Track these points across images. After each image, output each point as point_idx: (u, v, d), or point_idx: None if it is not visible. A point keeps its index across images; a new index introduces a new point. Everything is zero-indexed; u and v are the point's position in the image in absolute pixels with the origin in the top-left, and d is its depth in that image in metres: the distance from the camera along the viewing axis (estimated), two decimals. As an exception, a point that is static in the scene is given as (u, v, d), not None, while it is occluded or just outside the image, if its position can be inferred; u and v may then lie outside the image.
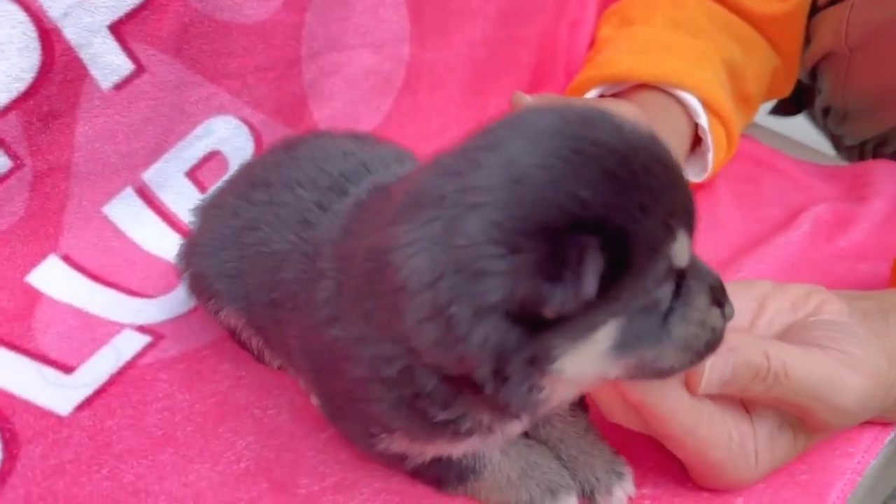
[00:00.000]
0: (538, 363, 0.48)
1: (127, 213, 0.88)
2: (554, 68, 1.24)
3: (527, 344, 0.48)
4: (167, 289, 0.84)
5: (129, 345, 0.78)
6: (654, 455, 0.69)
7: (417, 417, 0.57)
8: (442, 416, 0.56)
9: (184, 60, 0.88)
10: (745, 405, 0.65)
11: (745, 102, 1.22)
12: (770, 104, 1.45)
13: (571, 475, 0.66)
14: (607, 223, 0.46)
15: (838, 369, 0.62)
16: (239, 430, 0.70)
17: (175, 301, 0.83)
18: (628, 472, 0.67)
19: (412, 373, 0.54)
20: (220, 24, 0.89)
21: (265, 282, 0.67)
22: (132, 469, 0.66)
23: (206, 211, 0.75)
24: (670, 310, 0.51)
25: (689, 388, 0.59)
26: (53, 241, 0.84)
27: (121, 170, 0.87)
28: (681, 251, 0.49)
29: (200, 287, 0.73)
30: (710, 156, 1.09)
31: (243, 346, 0.76)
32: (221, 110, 0.92)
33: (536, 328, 0.47)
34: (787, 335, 0.66)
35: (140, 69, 0.85)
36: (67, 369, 0.75)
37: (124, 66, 0.84)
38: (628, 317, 0.49)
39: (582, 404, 0.68)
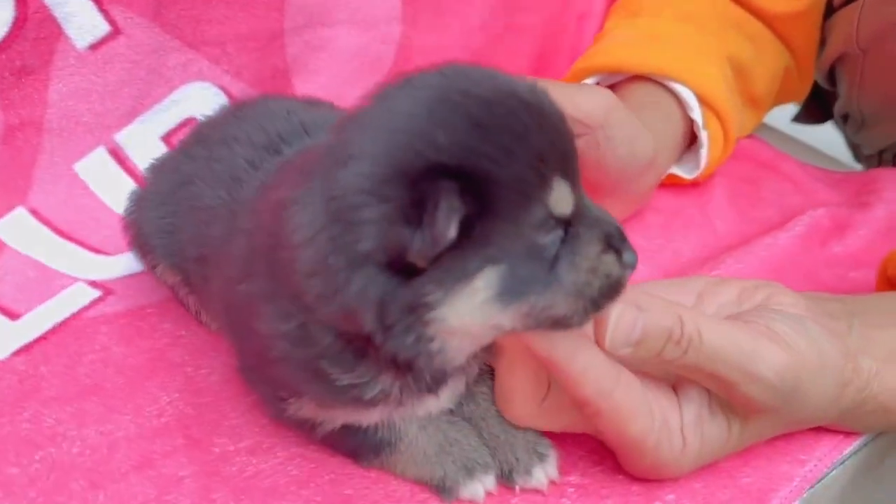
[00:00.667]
0: (417, 311, 0.49)
1: (98, 171, 0.90)
2: (557, 59, 1.23)
3: (402, 292, 0.48)
4: (125, 247, 0.85)
5: (77, 297, 0.80)
6: (586, 444, 0.68)
7: (322, 381, 0.56)
8: (346, 379, 0.56)
9: (162, 24, 0.90)
10: (674, 387, 0.63)
11: (753, 102, 1.19)
12: (794, 111, 1.40)
13: (492, 454, 0.65)
14: (467, 168, 0.46)
15: (757, 339, 0.60)
16: (167, 386, 0.71)
17: (132, 260, 0.84)
18: (552, 454, 0.65)
19: (309, 330, 0.54)
20: (199, -12, 0.90)
21: (196, 237, 0.67)
22: (54, 414, 0.67)
23: (155, 167, 0.76)
24: (557, 257, 0.50)
25: (597, 340, 0.57)
26: (22, 194, 0.87)
27: (94, 129, 0.89)
28: (560, 198, 0.49)
29: (139, 241, 0.74)
30: (704, 151, 1.07)
31: (184, 305, 0.77)
32: (200, 76, 0.94)
33: (409, 276, 0.48)
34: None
35: (116, 31, 0.87)
36: (14, 316, 0.77)
37: (100, 26, 0.86)
38: (509, 263, 0.48)
39: None
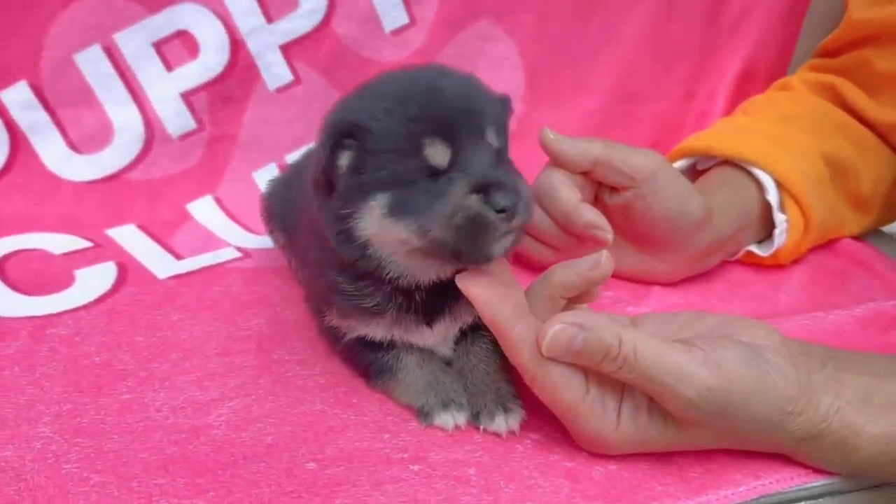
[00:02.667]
0: (344, 222, 0.71)
1: (267, 180, 1.21)
2: (671, 149, 1.37)
3: (332, 206, 0.72)
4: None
5: (226, 255, 1.09)
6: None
7: (340, 293, 0.78)
8: (352, 290, 0.77)
9: (331, 81, 1.21)
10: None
11: (859, 203, 1.24)
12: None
13: (468, 398, 0.80)
14: (360, 122, 0.69)
15: (688, 363, 0.68)
16: (260, 314, 0.96)
17: (268, 241, 1.13)
18: (517, 410, 0.78)
19: (330, 258, 0.78)
20: (362, 58, 1.21)
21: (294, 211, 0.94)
22: (178, 314, 0.94)
23: (289, 165, 1.06)
24: (435, 193, 0.68)
25: (539, 348, 0.69)
26: (213, 186, 1.20)
27: (271, 149, 1.22)
28: (434, 153, 0.67)
29: (267, 209, 1.04)
30: (777, 231, 1.14)
31: (288, 262, 1.03)
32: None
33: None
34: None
35: (298, 80, 1.20)
36: (178, 257, 1.08)
37: (287, 76, 1.19)
38: (395, 192, 0.68)
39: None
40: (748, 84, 1.40)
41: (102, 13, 1.09)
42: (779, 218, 1.15)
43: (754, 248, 1.17)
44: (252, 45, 1.16)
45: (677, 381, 0.67)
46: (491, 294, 0.72)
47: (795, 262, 1.20)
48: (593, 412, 0.71)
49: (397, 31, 1.21)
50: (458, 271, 0.74)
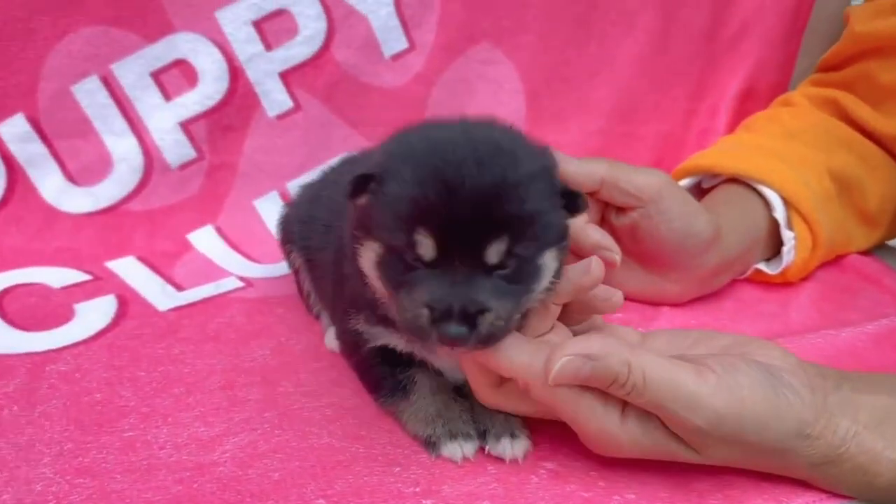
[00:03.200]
0: (356, 243, 0.72)
1: (270, 208, 1.20)
2: (674, 167, 1.36)
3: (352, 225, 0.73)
4: (274, 261, 1.13)
5: (227, 285, 1.08)
6: (570, 442, 0.77)
7: (368, 301, 0.76)
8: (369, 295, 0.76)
9: (331, 107, 1.20)
10: None
11: (866, 219, 1.24)
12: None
13: (476, 419, 0.79)
14: (377, 176, 0.68)
15: (697, 388, 0.66)
16: (264, 345, 0.94)
17: (274, 269, 1.11)
18: (523, 439, 0.77)
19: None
20: (362, 84, 1.20)
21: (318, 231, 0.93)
22: (181, 347, 0.93)
23: (304, 186, 1.05)
24: (409, 278, 0.67)
25: (545, 372, 0.68)
26: (213, 216, 1.18)
27: (272, 177, 1.20)
28: (422, 243, 0.66)
29: (285, 229, 1.02)
30: (786, 249, 1.13)
31: (299, 289, 1.02)
32: (356, 148, 1.21)
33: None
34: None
35: (297, 107, 1.19)
36: (181, 289, 1.06)
37: (286, 102, 1.18)
38: (388, 251, 0.69)
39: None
40: (749, 101, 1.40)
41: (99, 44, 1.08)
42: (786, 235, 1.14)
43: (763, 267, 1.16)
44: (251, 72, 1.15)
45: (686, 409, 0.66)
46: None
47: (804, 279, 1.19)
48: (595, 406, 0.69)
49: (397, 56, 1.20)
50: None
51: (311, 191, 1.02)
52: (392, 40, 1.19)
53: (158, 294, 1.03)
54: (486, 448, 0.77)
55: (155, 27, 1.10)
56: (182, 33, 1.11)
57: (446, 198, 0.65)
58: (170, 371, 0.88)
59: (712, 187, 1.20)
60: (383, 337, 0.79)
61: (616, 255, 0.91)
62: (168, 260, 1.12)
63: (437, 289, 0.66)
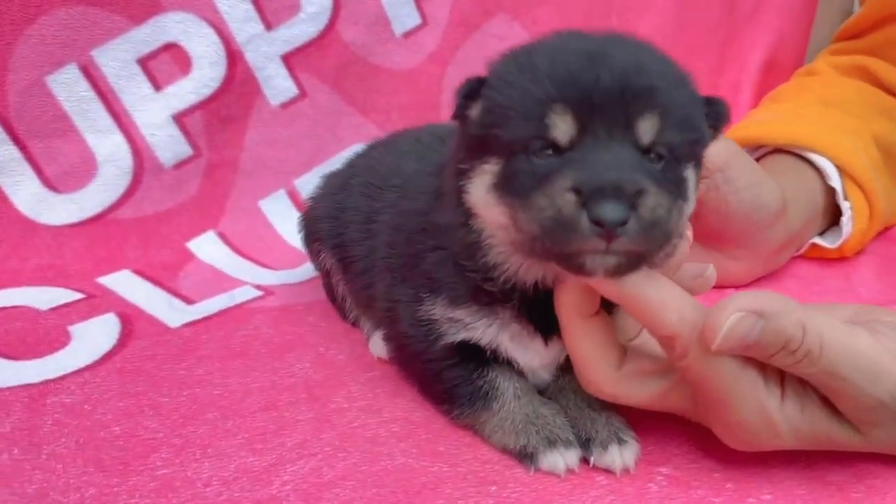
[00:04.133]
0: (461, 178, 0.61)
1: (277, 209, 1.07)
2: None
3: (456, 158, 0.63)
4: (291, 266, 0.99)
5: (243, 294, 0.94)
6: (678, 440, 0.68)
7: (458, 273, 0.65)
8: (472, 271, 0.64)
9: (340, 92, 1.08)
10: None
11: (909, 188, 1.17)
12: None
13: (572, 424, 0.67)
14: (493, 74, 0.60)
15: (881, 356, 0.57)
16: (301, 358, 0.81)
17: (292, 275, 0.98)
18: (632, 443, 0.66)
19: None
20: (372, 66, 1.08)
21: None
22: (205, 366, 0.79)
23: (328, 175, 0.92)
24: (541, 178, 0.55)
25: (705, 340, 0.56)
26: (215, 220, 1.04)
27: (278, 173, 1.07)
28: (555, 122, 0.55)
29: (310, 227, 0.89)
30: (845, 219, 1.06)
31: (331, 294, 0.89)
32: (368, 137, 1.09)
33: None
34: None
35: (303, 94, 1.06)
36: (190, 302, 0.92)
37: (290, 89, 1.06)
38: (507, 164, 0.58)
39: None
40: (771, 74, 1.34)
41: (77, 27, 0.94)
42: (844, 205, 1.06)
43: (820, 241, 1.08)
44: (250, 56, 1.02)
45: (868, 380, 0.56)
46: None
47: (858, 253, 1.11)
48: (756, 384, 0.58)
49: (409, 34, 1.09)
50: None
51: (336, 181, 0.89)
52: (403, 16, 1.08)
53: (165, 309, 0.89)
54: (591, 460, 0.65)
55: (140, 6, 0.96)
56: (171, 13, 0.98)
57: (587, 66, 0.55)
58: (197, 394, 0.74)
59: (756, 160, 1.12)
60: (465, 325, 0.67)
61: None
62: (168, 272, 0.97)
63: (584, 170, 0.54)
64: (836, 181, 1.05)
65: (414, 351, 0.71)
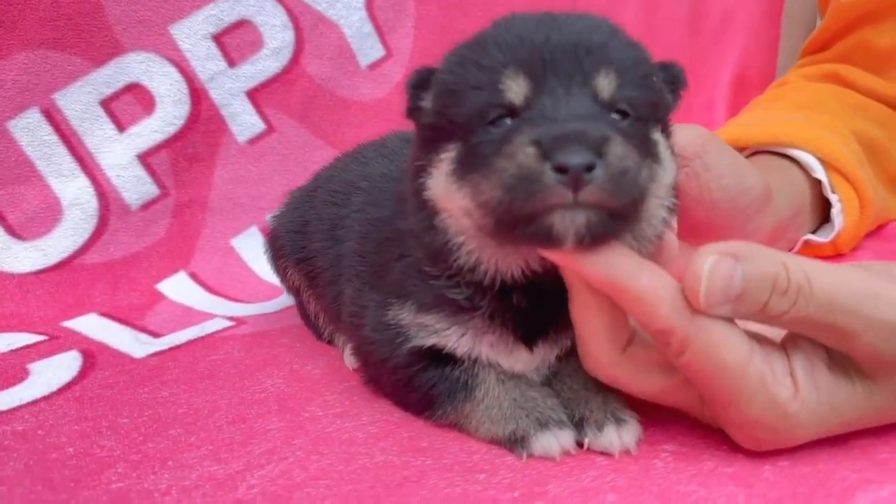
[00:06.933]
0: (419, 176, 0.58)
1: (251, 245, 1.03)
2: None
3: (413, 157, 0.61)
4: (264, 299, 0.95)
5: (214, 325, 0.89)
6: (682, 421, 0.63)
7: (424, 281, 0.62)
8: (438, 274, 0.61)
9: (308, 126, 1.07)
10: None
11: (894, 183, 1.15)
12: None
13: (565, 405, 0.62)
14: (445, 59, 0.59)
15: (873, 280, 0.53)
16: (273, 375, 0.76)
17: (267, 306, 0.94)
18: (632, 422, 0.60)
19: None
20: (339, 98, 1.07)
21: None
22: (169, 389, 0.74)
23: (292, 193, 0.89)
24: (496, 145, 0.52)
25: (690, 300, 0.52)
26: (185, 260, 1.01)
27: (249, 210, 1.04)
28: (509, 85, 0.53)
29: (275, 244, 0.86)
30: (835, 211, 1.03)
31: (304, 311, 0.84)
32: (340, 171, 1.07)
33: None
34: None
35: (271, 129, 1.05)
36: (156, 335, 0.87)
37: (257, 125, 1.04)
38: (463, 143, 0.55)
39: None
40: (742, 90, 1.33)
41: (38, 71, 0.93)
42: (833, 198, 1.03)
43: (813, 237, 1.05)
44: (214, 93, 1.01)
45: (870, 303, 0.52)
46: (595, 252, 0.53)
47: (853, 250, 1.08)
48: (764, 372, 0.53)
49: (374, 65, 1.09)
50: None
51: (299, 195, 0.86)
52: (367, 48, 1.08)
53: (131, 342, 0.84)
54: (586, 442, 0.59)
55: (101, 48, 0.96)
56: (133, 53, 0.97)
57: (536, 29, 0.54)
58: (160, 414, 0.69)
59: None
60: (436, 333, 0.63)
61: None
62: (136, 312, 0.93)
63: (543, 125, 0.51)
64: (820, 173, 1.03)
65: (380, 357, 0.66)
